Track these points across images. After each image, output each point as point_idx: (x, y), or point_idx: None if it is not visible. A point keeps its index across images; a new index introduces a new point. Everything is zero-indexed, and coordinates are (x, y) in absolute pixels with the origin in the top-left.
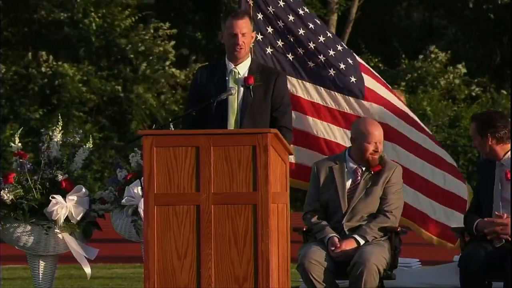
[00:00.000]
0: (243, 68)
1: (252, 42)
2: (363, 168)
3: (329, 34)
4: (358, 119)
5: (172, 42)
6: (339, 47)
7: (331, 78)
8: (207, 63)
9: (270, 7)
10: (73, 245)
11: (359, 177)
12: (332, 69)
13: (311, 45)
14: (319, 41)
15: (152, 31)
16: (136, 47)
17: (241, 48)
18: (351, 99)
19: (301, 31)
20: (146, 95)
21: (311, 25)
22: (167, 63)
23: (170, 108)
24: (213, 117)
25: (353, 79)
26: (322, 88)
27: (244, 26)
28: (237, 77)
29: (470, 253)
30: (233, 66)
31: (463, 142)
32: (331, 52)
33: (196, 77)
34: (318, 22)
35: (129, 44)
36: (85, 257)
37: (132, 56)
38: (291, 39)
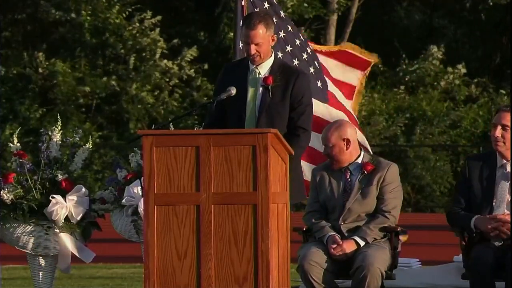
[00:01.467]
0: (264, 68)
1: (273, 43)
2: (351, 169)
3: (301, 37)
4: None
5: (157, 30)
6: (309, 50)
7: None
8: (233, 61)
9: (257, 8)
10: (68, 245)
11: (349, 178)
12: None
13: (288, 48)
14: (296, 44)
15: (137, 24)
16: (126, 43)
17: (254, 57)
18: (320, 103)
19: (282, 34)
20: (142, 93)
21: (289, 28)
22: (157, 56)
23: (168, 108)
24: (232, 116)
25: (319, 84)
26: None
27: (256, 36)
28: (257, 76)
29: (480, 255)
30: (254, 66)
31: (463, 142)
32: (304, 56)
33: (221, 74)
34: (292, 27)
35: (119, 43)
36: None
37: (122, 51)
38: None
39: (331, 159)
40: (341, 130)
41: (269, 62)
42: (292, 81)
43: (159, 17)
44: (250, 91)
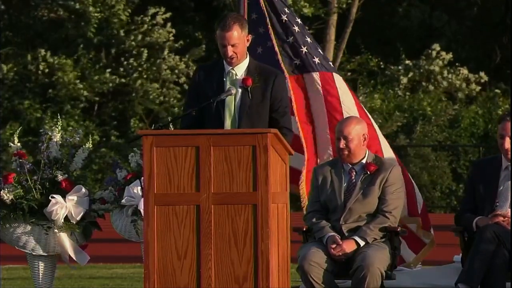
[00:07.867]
0: (240, 69)
1: (247, 44)
2: (356, 169)
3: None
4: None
5: (168, 25)
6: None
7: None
8: (206, 63)
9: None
10: (64, 246)
11: (353, 178)
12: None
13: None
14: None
15: (149, 18)
16: (135, 40)
17: (232, 58)
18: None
19: (296, 28)
20: (150, 86)
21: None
22: (165, 52)
23: (172, 108)
24: (211, 118)
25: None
26: (309, 73)
27: (232, 38)
28: (234, 78)
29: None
30: (230, 67)
31: (463, 142)
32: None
33: (195, 76)
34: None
35: (127, 39)
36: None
37: (131, 48)
38: (290, 40)
39: (343, 153)
40: (362, 124)
41: (245, 63)
42: (271, 82)
43: (169, 14)
44: None
